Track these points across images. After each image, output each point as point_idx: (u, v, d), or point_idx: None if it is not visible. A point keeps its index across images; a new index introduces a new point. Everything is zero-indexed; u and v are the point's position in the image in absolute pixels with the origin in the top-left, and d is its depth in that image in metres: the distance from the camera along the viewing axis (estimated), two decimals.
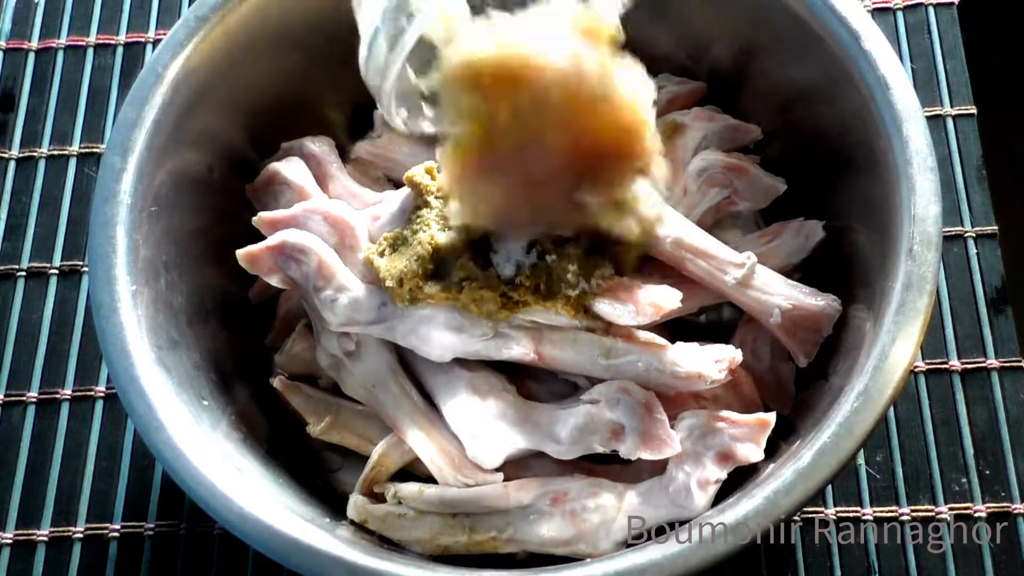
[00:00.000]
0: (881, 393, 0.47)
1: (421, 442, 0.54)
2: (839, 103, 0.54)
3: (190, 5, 0.63)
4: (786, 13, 0.55)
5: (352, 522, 0.53)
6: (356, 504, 0.53)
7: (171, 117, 0.55)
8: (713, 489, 0.50)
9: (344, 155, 0.62)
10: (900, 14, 0.71)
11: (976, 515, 0.58)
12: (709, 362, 0.51)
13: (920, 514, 0.58)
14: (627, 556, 0.46)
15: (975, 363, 0.61)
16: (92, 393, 0.63)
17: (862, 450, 0.56)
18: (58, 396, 0.63)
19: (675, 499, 0.50)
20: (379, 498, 0.54)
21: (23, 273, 0.67)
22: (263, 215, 0.56)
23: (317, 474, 0.57)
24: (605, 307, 0.51)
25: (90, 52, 0.73)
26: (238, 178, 0.60)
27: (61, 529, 0.60)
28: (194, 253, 0.57)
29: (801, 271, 0.58)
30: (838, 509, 0.58)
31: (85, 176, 0.69)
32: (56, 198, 0.69)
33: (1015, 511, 0.58)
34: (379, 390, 0.55)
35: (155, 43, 0.73)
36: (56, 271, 0.67)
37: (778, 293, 0.54)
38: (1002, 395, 0.60)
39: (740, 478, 0.51)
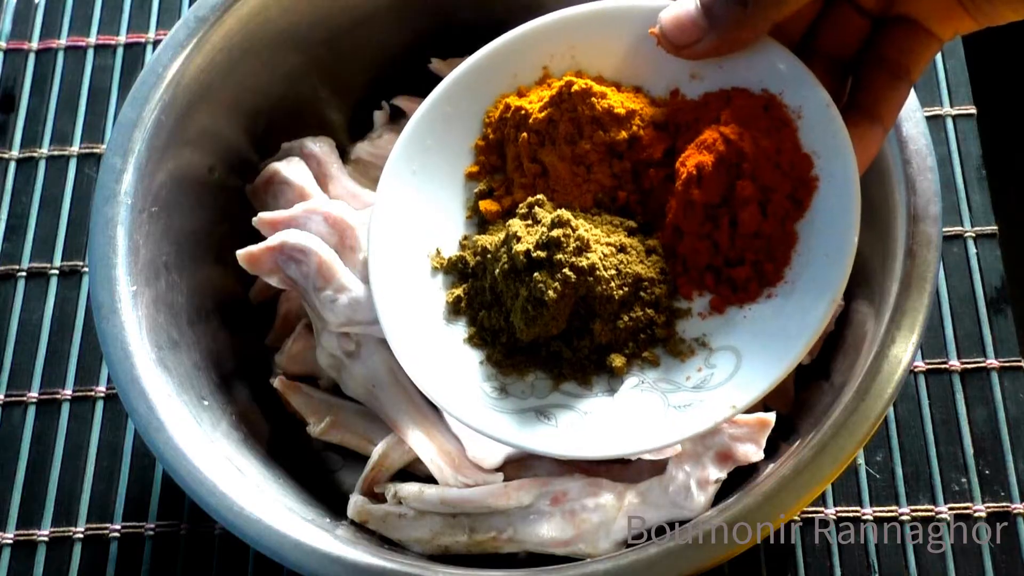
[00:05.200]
0: (881, 393, 0.47)
1: (421, 442, 0.54)
2: None
3: (190, 5, 0.63)
4: None
5: (352, 522, 0.53)
6: (356, 504, 0.53)
7: (171, 117, 0.55)
8: (713, 489, 0.50)
9: (344, 155, 0.62)
10: None
11: (976, 515, 0.58)
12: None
13: (920, 514, 0.58)
14: (627, 556, 0.46)
15: (975, 363, 0.61)
16: (92, 393, 0.63)
17: (862, 450, 0.56)
18: (58, 396, 0.63)
19: (675, 499, 0.50)
20: (379, 498, 0.54)
21: (23, 273, 0.67)
22: (263, 215, 0.56)
23: (317, 474, 0.57)
24: None
25: (90, 52, 0.73)
26: (238, 178, 0.60)
27: (61, 529, 0.60)
28: (194, 253, 0.57)
29: None
30: (838, 509, 0.58)
31: (85, 176, 0.70)
32: (56, 198, 0.69)
33: (1015, 511, 0.58)
34: (379, 390, 0.55)
35: (155, 43, 0.73)
36: (56, 271, 0.67)
37: None
38: (1002, 395, 0.60)
39: (740, 478, 0.51)
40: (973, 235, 0.64)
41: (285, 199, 0.58)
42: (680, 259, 0.48)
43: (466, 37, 0.62)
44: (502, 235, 0.48)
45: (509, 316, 0.47)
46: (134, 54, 0.73)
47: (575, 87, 0.49)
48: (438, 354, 0.48)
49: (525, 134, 0.50)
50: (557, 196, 0.50)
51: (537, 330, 0.46)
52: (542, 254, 0.45)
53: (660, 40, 0.46)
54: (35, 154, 0.70)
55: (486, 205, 0.51)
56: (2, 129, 0.71)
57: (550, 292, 0.45)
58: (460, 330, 0.49)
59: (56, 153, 0.70)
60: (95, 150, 0.70)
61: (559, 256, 0.45)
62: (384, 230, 0.49)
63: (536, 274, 0.45)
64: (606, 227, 0.48)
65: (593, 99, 0.49)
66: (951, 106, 0.68)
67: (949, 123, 0.68)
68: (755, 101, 0.47)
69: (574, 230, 0.46)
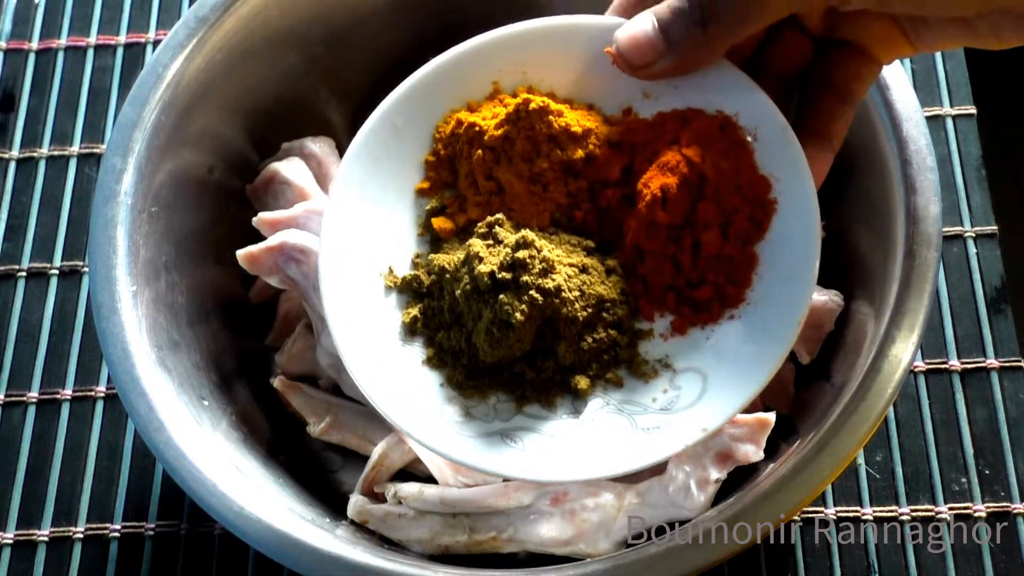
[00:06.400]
0: (881, 393, 0.47)
1: None
2: None
3: (190, 5, 0.63)
4: None
5: (352, 522, 0.53)
6: (356, 504, 0.53)
7: (171, 117, 0.55)
8: (713, 489, 0.50)
9: (344, 155, 0.62)
10: None
11: (976, 515, 0.58)
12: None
13: (920, 514, 0.58)
14: (627, 556, 0.46)
15: (975, 363, 0.61)
16: (92, 393, 0.63)
17: (862, 450, 0.56)
18: (58, 396, 0.63)
19: (675, 499, 0.50)
20: (379, 498, 0.54)
21: (23, 273, 0.67)
22: (263, 215, 0.56)
23: (317, 474, 0.58)
24: None
25: (90, 53, 0.73)
26: (238, 178, 0.60)
27: (62, 529, 0.60)
28: (194, 253, 0.57)
29: None
30: (838, 509, 0.58)
31: (85, 176, 0.70)
32: (56, 198, 0.69)
33: (1015, 511, 0.58)
34: None
35: (155, 44, 0.73)
36: (56, 271, 0.67)
37: None
38: (1002, 395, 0.60)
39: (740, 478, 0.51)
40: (973, 235, 0.64)
41: (285, 199, 0.58)
42: (641, 279, 0.47)
43: (466, 38, 0.62)
44: (461, 254, 0.47)
45: (471, 337, 0.46)
46: (134, 54, 0.73)
47: (533, 105, 0.48)
48: (397, 376, 0.47)
49: (480, 151, 0.49)
50: (514, 215, 0.49)
51: (502, 352, 0.45)
52: (507, 276, 0.44)
53: (616, 59, 0.46)
54: (35, 154, 0.70)
55: (439, 223, 0.50)
56: (2, 129, 0.71)
57: (517, 315, 0.44)
58: (417, 351, 0.48)
59: (56, 153, 0.70)
60: (95, 150, 0.70)
61: (525, 278, 0.44)
62: (335, 247, 0.48)
63: (502, 296, 0.44)
64: (565, 247, 0.48)
65: (551, 117, 0.48)
66: (951, 106, 0.68)
67: (949, 123, 0.68)
68: (711, 122, 0.46)
69: (539, 251, 0.45)
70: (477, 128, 0.49)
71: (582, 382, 0.46)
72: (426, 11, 0.63)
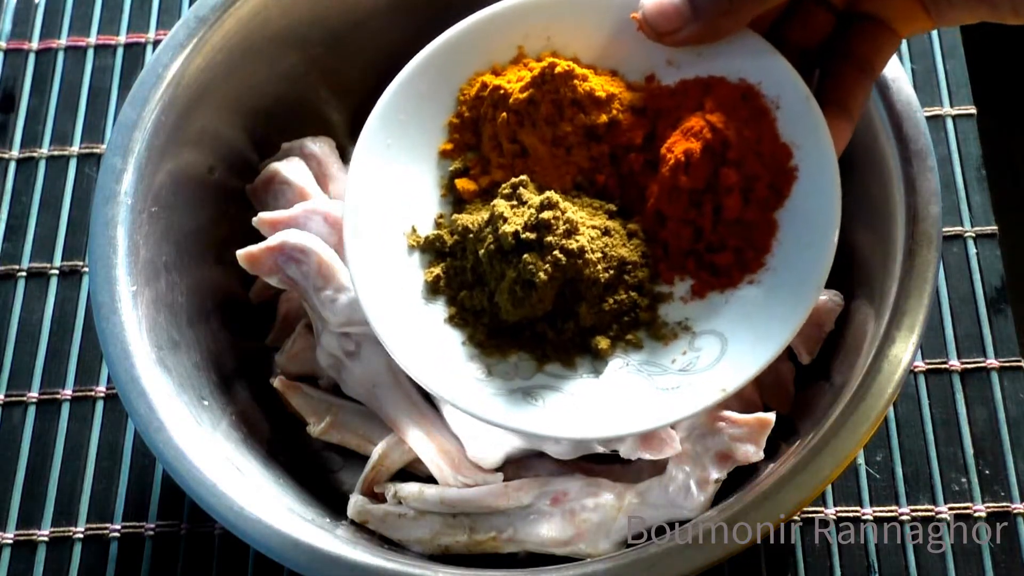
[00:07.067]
0: (881, 393, 0.47)
1: (421, 442, 0.54)
2: None
3: (190, 5, 0.63)
4: None
5: (352, 522, 0.53)
6: (356, 504, 0.53)
7: (171, 117, 0.55)
8: (713, 489, 0.50)
9: (344, 155, 0.62)
10: None
11: (976, 515, 0.58)
12: None
13: (920, 514, 0.58)
14: (627, 556, 0.46)
15: (975, 363, 0.61)
16: (92, 393, 0.63)
17: (862, 450, 0.56)
18: (58, 396, 0.63)
19: (675, 499, 0.50)
20: (379, 498, 0.54)
21: (23, 273, 0.67)
22: (263, 215, 0.56)
23: (317, 474, 0.58)
24: None
25: (90, 53, 0.73)
26: (238, 178, 0.60)
27: (61, 529, 0.60)
28: (194, 253, 0.57)
29: None
30: (838, 509, 0.58)
31: (85, 177, 0.70)
32: (56, 199, 0.69)
33: (1015, 511, 0.58)
34: (379, 390, 0.55)
35: (155, 44, 0.73)
36: (56, 271, 0.67)
37: None
38: (1002, 395, 0.60)
39: (740, 478, 0.51)
40: (973, 235, 0.64)
41: (285, 199, 0.58)
42: (661, 244, 0.48)
43: None
44: (484, 215, 0.47)
45: (493, 297, 0.47)
46: (134, 54, 0.73)
47: (558, 69, 0.49)
48: (419, 334, 0.47)
49: (504, 114, 0.49)
50: (536, 177, 0.49)
51: (523, 312, 0.46)
52: (532, 236, 0.45)
53: (641, 25, 0.46)
54: (35, 154, 0.70)
55: (462, 184, 0.50)
56: (2, 129, 0.71)
57: (540, 274, 0.45)
58: (440, 309, 0.48)
59: (56, 153, 0.70)
60: (95, 150, 0.70)
61: (549, 238, 0.45)
62: (359, 206, 0.49)
63: (526, 256, 0.45)
64: (587, 210, 0.48)
65: (575, 81, 0.49)
66: (951, 106, 0.68)
67: (949, 123, 0.68)
68: (734, 90, 0.47)
69: (563, 212, 0.46)
70: (502, 91, 0.50)
71: (602, 343, 0.47)
72: (426, 11, 0.62)
